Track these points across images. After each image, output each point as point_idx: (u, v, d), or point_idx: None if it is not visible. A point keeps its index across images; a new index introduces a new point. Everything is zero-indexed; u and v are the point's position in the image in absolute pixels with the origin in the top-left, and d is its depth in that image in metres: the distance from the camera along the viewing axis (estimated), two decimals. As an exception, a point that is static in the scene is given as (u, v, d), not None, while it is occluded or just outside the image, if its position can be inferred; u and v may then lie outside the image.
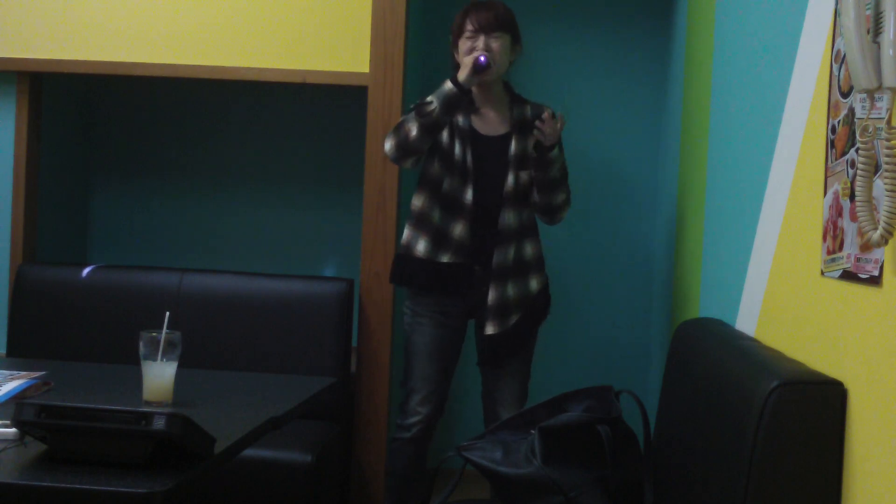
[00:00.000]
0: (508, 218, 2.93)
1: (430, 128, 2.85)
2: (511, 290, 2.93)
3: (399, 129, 2.90)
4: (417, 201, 2.97)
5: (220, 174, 4.00)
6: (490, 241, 2.93)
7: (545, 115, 2.84)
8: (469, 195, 2.91)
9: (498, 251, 2.91)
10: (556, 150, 2.90)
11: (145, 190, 4.03)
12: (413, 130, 2.85)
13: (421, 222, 2.96)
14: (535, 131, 2.85)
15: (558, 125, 2.84)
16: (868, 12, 1.27)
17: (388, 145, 2.93)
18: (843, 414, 1.47)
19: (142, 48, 3.37)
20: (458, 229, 2.91)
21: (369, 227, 3.32)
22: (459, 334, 3.04)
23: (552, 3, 4.03)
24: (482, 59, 2.81)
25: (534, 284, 2.99)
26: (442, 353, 2.98)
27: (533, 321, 3.01)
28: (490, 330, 2.91)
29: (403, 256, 3.00)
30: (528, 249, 2.99)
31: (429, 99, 2.85)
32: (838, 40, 1.55)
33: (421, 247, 2.94)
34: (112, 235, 4.03)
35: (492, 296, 2.91)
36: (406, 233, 2.99)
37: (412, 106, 2.93)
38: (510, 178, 2.93)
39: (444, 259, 2.92)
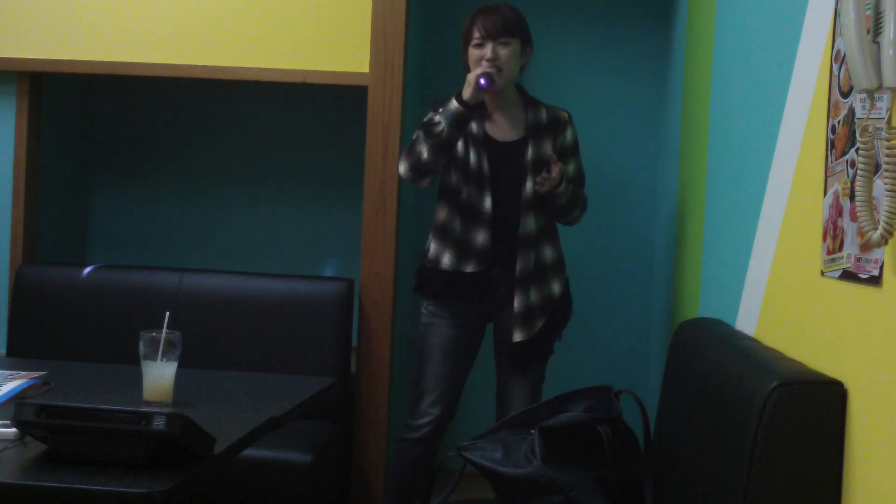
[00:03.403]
0: (528, 223, 2.92)
1: (441, 148, 2.84)
2: (534, 295, 2.93)
3: (411, 152, 2.88)
4: (440, 214, 2.97)
5: (221, 174, 4.00)
6: (509, 246, 2.92)
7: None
8: (488, 203, 2.90)
9: (520, 257, 2.90)
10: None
11: (145, 190, 4.03)
12: (424, 153, 2.84)
13: (444, 235, 2.95)
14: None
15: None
16: (868, 12, 1.27)
17: (403, 168, 2.91)
18: (843, 414, 1.47)
19: (142, 48, 3.37)
20: (480, 238, 2.90)
21: (369, 227, 3.32)
22: (476, 338, 3.04)
23: (552, 3, 4.03)
24: (482, 81, 2.78)
25: (556, 288, 2.99)
26: (457, 356, 2.98)
27: (557, 324, 3.01)
28: (518, 337, 2.91)
29: (430, 270, 2.98)
30: (548, 253, 2.98)
31: (437, 119, 2.83)
32: (838, 40, 1.55)
33: (447, 260, 2.93)
34: (112, 235, 4.03)
35: (517, 303, 2.90)
36: (432, 246, 2.98)
37: (421, 123, 2.91)
38: (529, 184, 2.91)
39: (469, 269, 2.92)
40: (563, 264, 3.04)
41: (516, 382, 3.00)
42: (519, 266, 2.90)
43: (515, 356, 2.95)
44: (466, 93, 2.79)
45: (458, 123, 2.81)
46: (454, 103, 2.80)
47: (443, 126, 2.81)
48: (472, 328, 3.00)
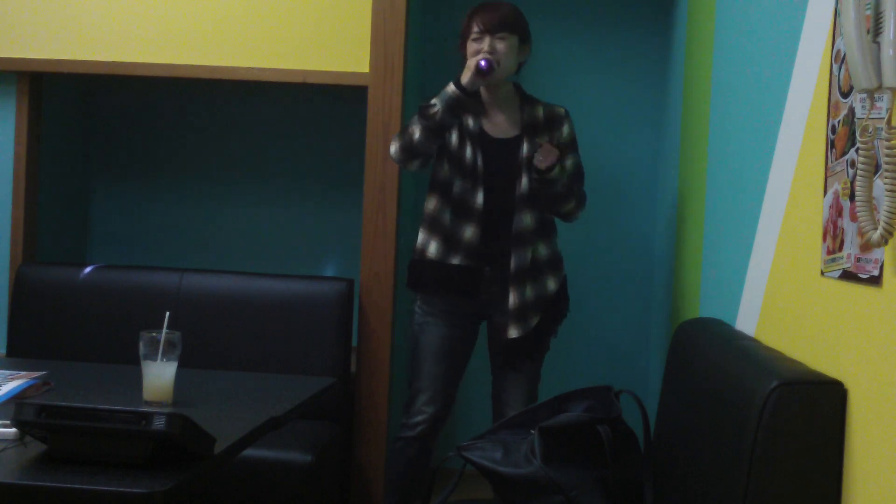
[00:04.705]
0: (524, 220, 2.92)
1: (434, 130, 2.85)
2: (530, 291, 2.93)
3: (404, 132, 2.91)
4: (429, 204, 2.97)
5: (221, 174, 4.00)
6: (502, 243, 2.92)
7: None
8: (479, 198, 2.90)
9: (516, 254, 2.90)
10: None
11: (145, 190, 4.03)
12: (416, 133, 2.86)
13: (433, 225, 2.95)
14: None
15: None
16: (868, 12, 1.27)
17: (394, 148, 2.94)
18: (843, 414, 1.47)
19: (142, 48, 3.37)
20: (469, 232, 2.91)
21: (369, 227, 3.32)
22: (470, 336, 3.03)
23: (552, 3, 4.03)
24: (483, 63, 2.80)
25: (551, 285, 2.98)
26: (451, 354, 2.98)
27: (552, 321, 3.01)
28: (514, 333, 2.91)
29: (418, 262, 2.99)
30: (543, 250, 2.98)
31: (432, 101, 2.85)
32: (838, 40, 1.55)
33: (433, 249, 2.94)
34: (112, 235, 4.03)
35: (512, 299, 2.90)
36: (420, 236, 2.99)
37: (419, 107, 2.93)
38: (524, 181, 2.91)
39: (455, 261, 2.92)
40: (561, 262, 3.04)
41: (512, 381, 3.00)
42: (514, 263, 2.91)
43: (509, 353, 2.95)
44: (465, 77, 2.81)
45: (453, 107, 2.82)
46: (451, 87, 2.82)
47: (437, 108, 2.82)
48: (465, 327, 3.01)
